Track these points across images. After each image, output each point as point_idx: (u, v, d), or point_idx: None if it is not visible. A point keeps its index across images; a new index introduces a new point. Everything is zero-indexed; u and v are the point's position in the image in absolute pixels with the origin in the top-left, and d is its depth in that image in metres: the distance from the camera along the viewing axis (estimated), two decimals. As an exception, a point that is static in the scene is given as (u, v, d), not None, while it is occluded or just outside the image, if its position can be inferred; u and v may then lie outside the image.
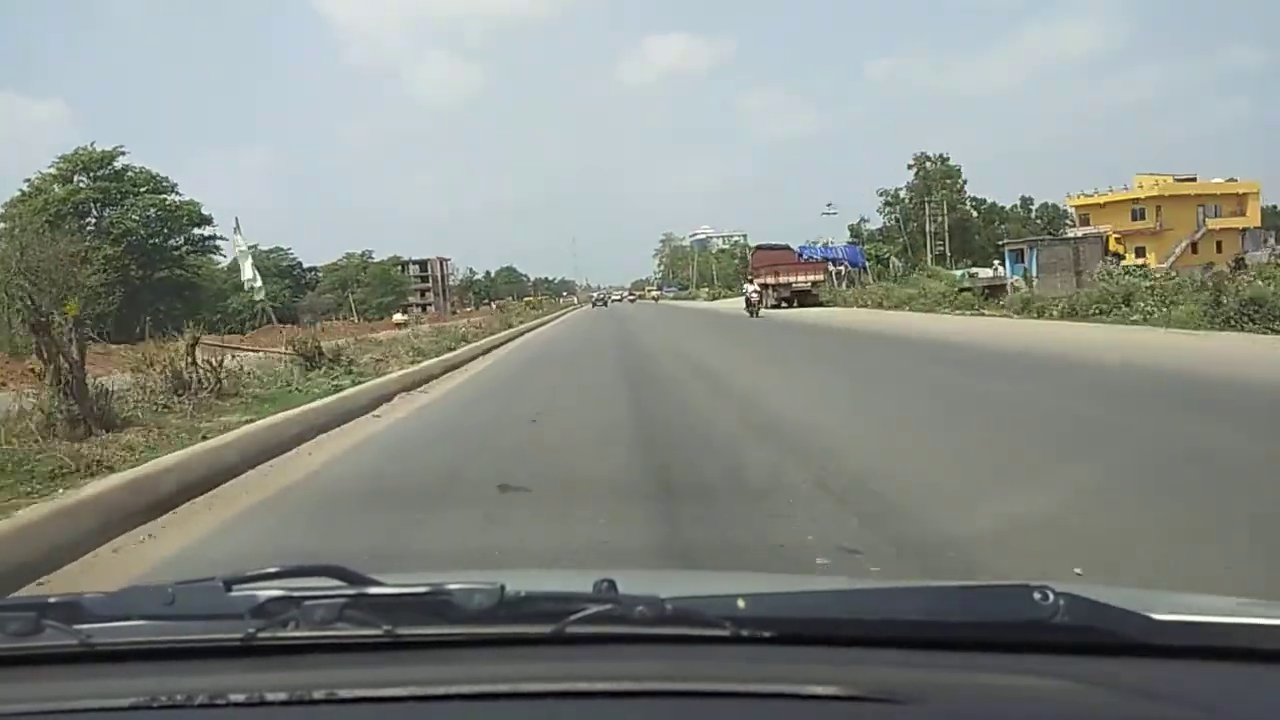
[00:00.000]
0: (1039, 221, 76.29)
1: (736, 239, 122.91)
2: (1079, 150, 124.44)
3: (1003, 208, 76.58)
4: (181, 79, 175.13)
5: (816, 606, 1.09)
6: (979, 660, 0.94)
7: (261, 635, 0.99)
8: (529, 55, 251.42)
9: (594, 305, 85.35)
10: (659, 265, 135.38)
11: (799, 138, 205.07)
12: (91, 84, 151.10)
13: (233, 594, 1.02)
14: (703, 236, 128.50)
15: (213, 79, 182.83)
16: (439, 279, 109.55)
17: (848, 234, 64.68)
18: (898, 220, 68.45)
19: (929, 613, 1.01)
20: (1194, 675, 0.93)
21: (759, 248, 46.09)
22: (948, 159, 70.84)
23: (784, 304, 37.23)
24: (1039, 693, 0.88)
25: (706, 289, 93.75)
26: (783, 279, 39.45)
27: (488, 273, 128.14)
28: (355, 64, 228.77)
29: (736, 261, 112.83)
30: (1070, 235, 41.52)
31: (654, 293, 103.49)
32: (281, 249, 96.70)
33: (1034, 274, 28.35)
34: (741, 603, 1.01)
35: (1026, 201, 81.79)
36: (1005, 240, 39.31)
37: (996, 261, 39.48)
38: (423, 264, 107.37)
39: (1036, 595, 0.95)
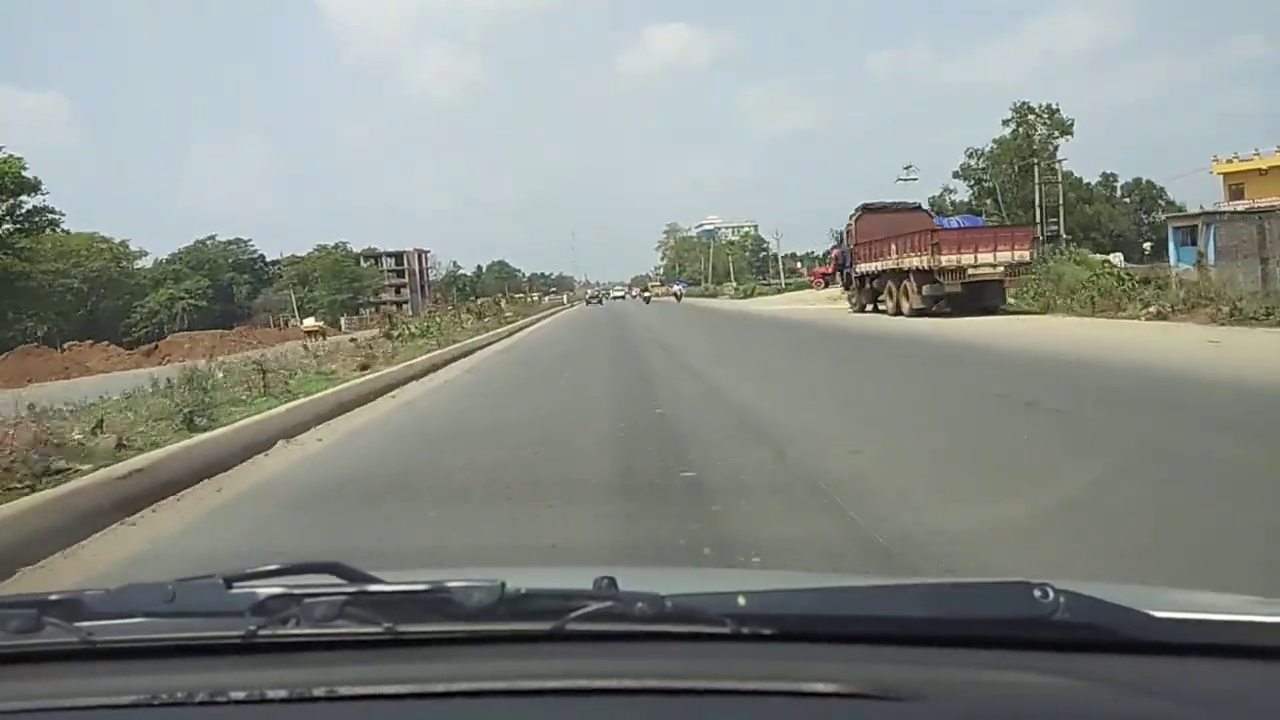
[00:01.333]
0: (1127, 201, 74.01)
1: (747, 229, 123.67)
2: (1077, 147, 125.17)
3: (1088, 184, 71.37)
4: (176, 73, 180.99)
5: (817, 604, 1.24)
6: (979, 657, 1.08)
7: (262, 632, 1.14)
8: (528, 48, 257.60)
9: (588, 303, 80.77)
10: (662, 258, 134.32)
11: (800, 128, 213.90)
12: (89, 78, 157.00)
13: (233, 591, 1.18)
14: (711, 227, 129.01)
15: (207, 70, 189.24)
16: (416, 273, 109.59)
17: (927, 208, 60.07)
18: (991, 191, 59.59)
19: (929, 609, 1.16)
20: (1194, 672, 1.08)
21: (866, 209, 31.13)
22: (1056, 110, 59.56)
23: (938, 306, 24.08)
24: (1039, 690, 1.02)
25: (733, 285, 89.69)
26: (947, 259, 23.68)
27: (478, 267, 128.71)
28: (354, 58, 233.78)
29: (747, 254, 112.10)
30: (1246, 210, 35.27)
31: (674, 288, 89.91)
32: (241, 240, 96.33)
33: (1210, 261, 24.19)
34: (742, 600, 1.17)
35: (1109, 178, 76.63)
36: (1170, 215, 34.79)
37: (1146, 245, 34.19)
38: (398, 256, 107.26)
39: (1036, 592, 1.10)
